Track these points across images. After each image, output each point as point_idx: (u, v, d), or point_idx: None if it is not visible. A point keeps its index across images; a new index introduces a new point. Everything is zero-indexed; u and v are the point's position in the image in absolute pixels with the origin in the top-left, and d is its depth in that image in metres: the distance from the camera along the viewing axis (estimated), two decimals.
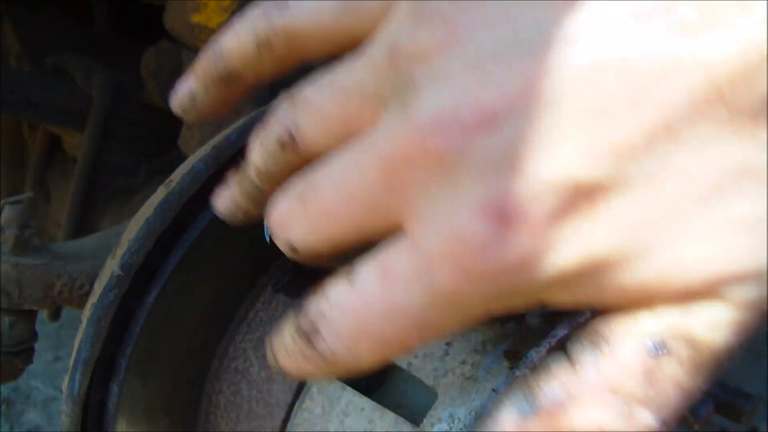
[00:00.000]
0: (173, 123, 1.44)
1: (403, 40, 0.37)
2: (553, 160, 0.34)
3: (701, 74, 0.32)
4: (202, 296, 0.81)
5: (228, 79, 0.49)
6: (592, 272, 0.36)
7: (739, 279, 0.35)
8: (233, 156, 0.73)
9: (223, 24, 1.39)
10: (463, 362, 0.68)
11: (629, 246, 0.35)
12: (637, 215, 0.34)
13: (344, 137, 0.41)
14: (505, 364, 0.66)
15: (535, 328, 0.69)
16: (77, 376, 0.75)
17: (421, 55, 0.36)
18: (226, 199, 0.53)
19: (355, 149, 0.40)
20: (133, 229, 0.76)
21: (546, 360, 0.45)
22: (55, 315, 1.35)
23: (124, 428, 0.79)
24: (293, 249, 0.43)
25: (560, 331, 0.68)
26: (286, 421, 0.78)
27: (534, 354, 0.66)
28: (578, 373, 0.37)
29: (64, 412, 0.76)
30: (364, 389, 0.73)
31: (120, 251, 0.76)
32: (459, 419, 0.65)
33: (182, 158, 0.90)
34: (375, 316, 0.38)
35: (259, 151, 0.46)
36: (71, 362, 0.76)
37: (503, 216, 0.34)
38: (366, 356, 0.40)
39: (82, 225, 1.55)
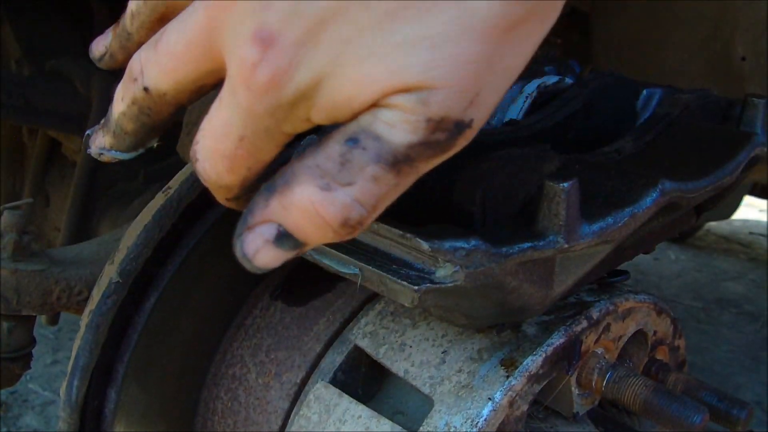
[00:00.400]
0: (172, 128, 1.44)
1: None
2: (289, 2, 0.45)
3: None
4: (199, 303, 0.81)
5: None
6: (314, 90, 0.47)
7: (402, 90, 0.45)
8: None
9: None
10: (460, 370, 0.68)
11: (331, 65, 0.46)
12: (335, 41, 0.45)
13: None
14: (502, 372, 0.66)
15: (531, 336, 0.69)
16: (75, 383, 0.75)
17: None
18: (101, 43, 0.60)
19: (188, 8, 0.50)
20: (131, 235, 0.76)
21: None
22: (54, 320, 1.34)
23: None
24: (146, 91, 0.52)
25: (556, 339, 0.68)
26: (282, 427, 0.78)
27: (530, 362, 0.67)
28: (301, 160, 0.48)
29: (62, 418, 0.77)
30: (361, 397, 0.73)
31: (118, 257, 0.76)
32: (455, 427, 0.65)
33: (180, 163, 0.90)
34: (215, 136, 0.50)
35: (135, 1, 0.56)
36: (69, 368, 0.77)
37: (265, 41, 0.45)
38: (225, 174, 0.51)
39: (81, 229, 1.54)
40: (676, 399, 0.70)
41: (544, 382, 0.69)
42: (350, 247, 0.60)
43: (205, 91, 0.53)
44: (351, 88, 0.46)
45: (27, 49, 1.71)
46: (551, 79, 0.85)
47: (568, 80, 0.86)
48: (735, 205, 4.29)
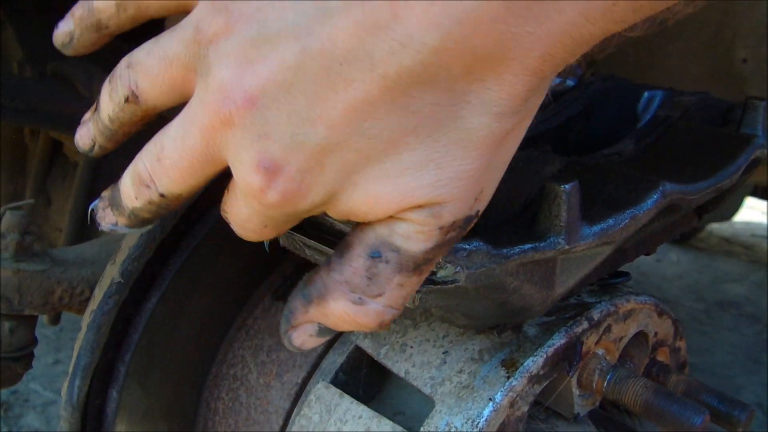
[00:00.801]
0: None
1: (202, 24, 0.49)
2: (297, 130, 0.47)
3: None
4: (201, 303, 0.81)
5: (98, 27, 0.58)
6: (330, 202, 0.50)
7: (414, 207, 0.49)
8: None
9: None
10: (461, 371, 0.68)
11: (341, 186, 0.49)
12: (341, 166, 0.48)
13: (177, 95, 0.53)
14: (502, 372, 0.66)
15: (532, 337, 0.69)
16: (77, 382, 0.75)
17: (213, 37, 0.48)
18: (86, 137, 0.61)
19: (183, 117, 0.51)
20: (133, 236, 0.77)
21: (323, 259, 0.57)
22: (55, 320, 1.35)
23: None
24: (163, 196, 0.54)
25: (557, 340, 0.69)
26: (284, 427, 0.78)
27: (530, 362, 0.67)
28: (330, 273, 0.52)
29: (63, 418, 0.77)
30: (361, 397, 0.73)
31: (120, 258, 0.76)
32: (456, 427, 0.65)
33: None
34: (240, 220, 0.54)
35: (110, 104, 0.56)
36: (71, 368, 0.77)
37: (269, 171, 0.48)
38: (254, 237, 0.55)
39: (83, 229, 1.55)
40: (676, 400, 0.70)
41: (545, 383, 0.69)
42: None
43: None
44: (364, 206, 0.50)
45: (29, 52, 1.71)
46: (553, 81, 0.85)
47: (570, 82, 0.86)
48: (736, 207, 4.30)
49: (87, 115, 0.61)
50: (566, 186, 0.56)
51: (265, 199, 0.49)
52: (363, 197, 0.50)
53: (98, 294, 0.76)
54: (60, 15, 1.73)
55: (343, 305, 0.52)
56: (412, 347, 0.72)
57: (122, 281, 0.74)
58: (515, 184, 0.61)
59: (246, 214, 0.53)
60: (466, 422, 0.65)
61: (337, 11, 0.45)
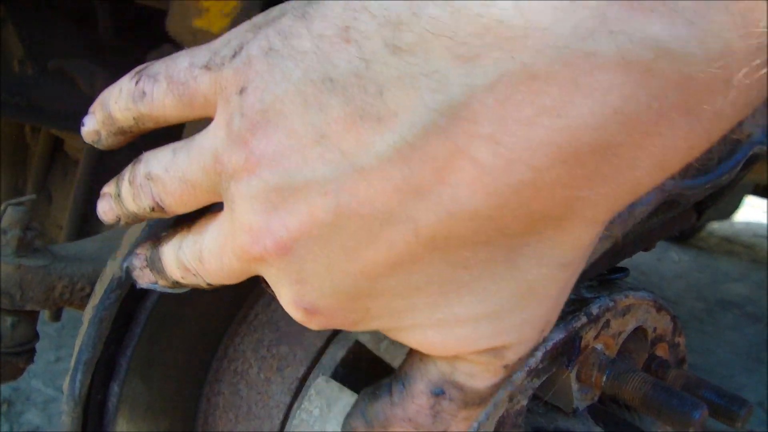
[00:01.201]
0: (174, 127, 1.45)
1: (221, 156, 0.48)
2: (337, 281, 0.47)
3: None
4: (201, 299, 0.81)
5: (121, 132, 0.58)
6: (386, 333, 0.51)
7: (477, 353, 0.49)
8: None
9: (225, 28, 1.39)
10: None
11: (389, 327, 0.50)
12: (387, 310, 0.48)
13: (204, 204, 0.54)
14: None
15: None
16: (78, 377, 0.75)
17: (233, 174, 0.47)
18: (110, 213, 0.61)
19: (218, 233, 0.52)
20: (134, 232, 0.77)
21: (381, 384, 0.57)
22: (56, 316, 1.35)
23: (125, 428, 0.80)
24: (211, 285, 0.56)
25: (555, 335, 0.69)
26: (284, 422, 0.78)
27: (531, 359, 0.67)
28: (392, 403, 0.53)
29: (65, 412, 0.77)
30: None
31: (122, 253, 0.76)
32: None
33: None
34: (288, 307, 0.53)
35: (134, 205, 0.57)
36: (72, 363, 0.77)
37: (308, 311, 0.49)
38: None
39: (83, 226, 1.56)
40: (675, 395, 0.71)
41: (544, 377, 0.69)
42: None
43: None
44: (419, 347, 0.50)
45: (30, 49, 1.72)
46: None
47: None
48: (736, 205, 4.31)
49: (107, 190, 0.61)
50: None
51: (309, 324, 0.50)
52: (418, 341, 0.49)
53: (99, 289, 0.77)
54: (60, 13, 1.72)
55: None
56: None
57: (123, 276, 0.75)
58: None
59: (296, 318, 0.52)
60: None
61: (371, 170, 0.43)
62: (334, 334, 0.78)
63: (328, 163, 0.43)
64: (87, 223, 1.57)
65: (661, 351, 0.86)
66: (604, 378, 0.73)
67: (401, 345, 0.72)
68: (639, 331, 0.81)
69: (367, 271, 0.45)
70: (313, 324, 0.50)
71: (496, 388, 0.51)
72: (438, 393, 0.50)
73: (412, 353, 0.54)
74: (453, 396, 0.50)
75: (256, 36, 0.47)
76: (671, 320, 0.85)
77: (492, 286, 0.46)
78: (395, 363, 0.72)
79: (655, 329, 0.82)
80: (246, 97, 0.46)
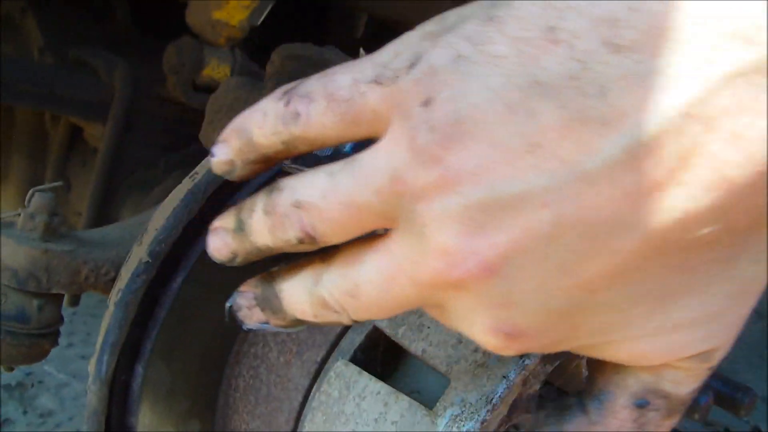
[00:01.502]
0: (193, 117, 1.47)
1: (405, 175, 0.44)
2: (548, 299, 0.44)
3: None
4: (224, 283, 0.84)
5: (263, 159, 0.54)
6: (583, 351, 0.49)
7: (686, 359, 0.48)
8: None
9: (244, 21, 1.42)
10: (476, 350, 0.71)
11: (595, 343, 0.48)
12: (602, 327, 0.46)
13: (363, 232, 0.49)
14: None
15: None
16: (105, 358, 0.78)
17: (422, 193, 0.43)
18: (225, 250, 0.58)
19: (383, 262, 0.48)
20: (159, 218, 0.79)
21: (562, 404, 0.57)
22: (75, 301, 1.38)
23: (148, 408, 0.82)
24: (356, 321, 0.53)
25: None
26: (303, 403, 0.81)
27: None
28: (591, 423, 0.52)
29: (92, 391, 0.80)
30: (379, 375, 0.76)
31: (147, 239, 0.79)
32: (470, 404, 0.68)
33: (202, 152, 0.93)
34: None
35: (270, 239, 0.52)
36: (99, 344, 0.80)
37: (509, 336, 0.46)
38: None
39: (102, 214, 1.58)
40: None
41: (557, 363, 0.71)
42: None
43: None
44: (625, 361, 0.49)
45: (50, 39, 1.75)
46: None
47: None
48: None
49: (221, 224, 0.57)
50: None
51: (505, 350, 0.47)
52: (628, 353, 0.47)
53: (125, 274, 0.79)
54: (79, 3, 1.75)
55: None
56: (428, 327, 0.74)
57: (150, 261, 0.77)
58: None
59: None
60: (480, 398, 0.68)
61: (598, 176, 0.40)
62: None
63: (545, 172, 0.41)
64: (106, 211, 1.59)
65: None
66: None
67: (418, 329, 0.74)
68: None
69: (586, 285, 0.43)
70: (512, 349, 0.47)
71: (696, 393, 0.50)
72: (642, 404, 0.49)
73: (603, 367, 0.52)
74: (658, 406, 0.49)
75: (436, 44, 0.44)
76: None
77: (711, 288, 0.44)
78: (412, 348, 0.74)
79: None
80: (434, 109, 0.42)
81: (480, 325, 0.46)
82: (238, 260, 0.58)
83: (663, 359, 0.47)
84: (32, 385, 2.95)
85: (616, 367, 0.51)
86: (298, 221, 0.49)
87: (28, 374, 3.00)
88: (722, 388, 0.84)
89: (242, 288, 0.60)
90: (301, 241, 0.50)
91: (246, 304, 0.59)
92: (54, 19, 1.78)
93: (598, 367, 0.54)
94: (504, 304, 0.44)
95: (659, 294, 0.44)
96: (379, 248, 0.49)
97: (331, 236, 0.49)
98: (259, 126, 0.52)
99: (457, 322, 0.48)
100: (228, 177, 0.56)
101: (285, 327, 0.57)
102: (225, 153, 0.54)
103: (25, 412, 2.78)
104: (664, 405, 0.49)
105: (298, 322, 0.56)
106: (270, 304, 0.57)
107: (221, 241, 0.57)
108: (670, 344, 0.46)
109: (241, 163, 0.54)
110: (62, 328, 2.78)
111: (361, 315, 0.51)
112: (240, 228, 0.54)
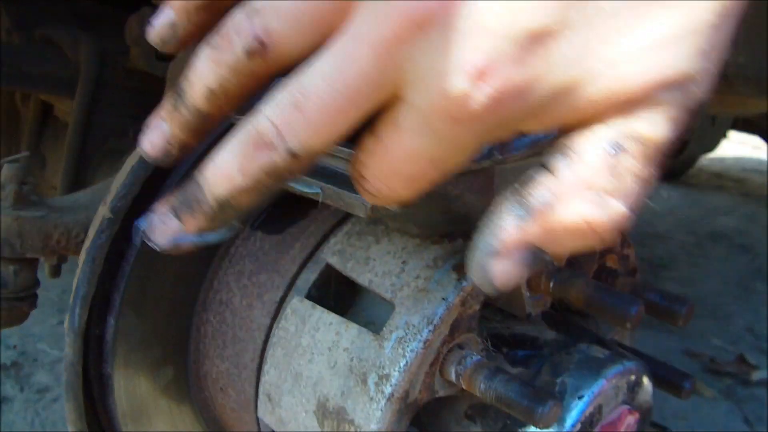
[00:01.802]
0: (158, 86, 1.51)
1: None
2: (508, 18, 0.41)
3: None
4: None
5: (209, 6, 0.51)
6: (552, 101, 0.44)
7: (666, 86, 0.44)
8: None
9: None
10: (417, 277, 0.76)
11: (578, 74, 0.44)
12: (580, 49, 0.43)
13: (318, 37, 0.45)
14: (453, 276, 0.74)
15: None
16: (77, 311, 0.83)
17: None
18: (158, 137, 0.52)
19: (342, 44, 0.44)
20: (120, 177, 0.84)
21: (526, 179, 0.49)
22: (55, 272, 1.43)
23: (123, 358, 0.87)
24: (294, 155, 0.46)
25: None
26: (265, 341, 0.86)
27: None
28: (558, 177, 0.45)
29: (68, 344, 0.85)
30: (333, 309, 0.81)
31: (109, 198, 0.84)
32: (413, 326, 0.73)
33: None
34: (398, 161, 0.47)
35: (214, 70, 0.47)
36: (71, 299, 0.85)
37: (479, 70, 0.41)
38: (402, 191, 0.49)
39: (76, 185, 1.63)
40: (613, 294, 0.78)
41: None
42: (311, 170, 0.68)
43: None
44: (602, 98, 0.44)
45: (15, 19, 1.78)
46: None
47: None
48: (719, 139, 4.37)
49: (154, 119, 0.52)
50: None
51: (464, 110, 0.42)
52: (603, 88, 0.44)
53: (92, 231, 0.84)
54: None
55: (581, 209, 0.45)
56: (374, 260, 0.80)
57: (112, 217, 0.82)
58: None
59: (412, 146, 0.46)
60: (422, 320, 0.73)
61: None
62: (307, 260, 0.86)
63: None
64: (79, 181, 1.64)
65: (611, 262, 0.94)
66: (552, 284, 0.80)
67: (365, 262, 0.80)
68: None
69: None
70: (478, 98, 0.42)
71: (671, 141, 0.45)
72: (616, 149, 0.44)
73: (570, 129, 0.47)
74: (634, 151, 0.44)
75: None
76: (618, 234, 0.92)
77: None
78: (360, 279, 0.79)
79: None
80: None
81: (445, 68, 0.42)
82: (175, 150, 0.52)
83: (647, 83, 0.44)
84: (27, 364, 3.00)
85: (585, 123, 0.46)
86: (247, 29, 0.45)
87: (23, 353, 3.05)
88: (661, 301, 0.89)
89: (157, 205, 0.53)
90: (250, 54, 0.45)
91: (160, 219, 0.52)
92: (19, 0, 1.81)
93: (563, 132, 0.48)
94: (473, 31, 0.41)
95: (637, 3, 0.43)
96: (331, 42, 0.45)
97: (284, 33, 0.45)
98: None
99: (420, 80, 0.43)
100: (167, 47, 0.52)
101: (204, 227, 0.50)
102: (167, 14, 0.51)
103: (22, 389, 2.83)
104: (640, 151, 0.45)
105: (222, 212, 0.49)
106: (187, 200, 0.50)
107: (155, 133, 0.52)
108: (653, 62, 0.44)
109: (186, 16, 0.51)
110: (52, 307, 2.84)
111: (304, 136, 0.45)
112: (176, 101, 0.50)
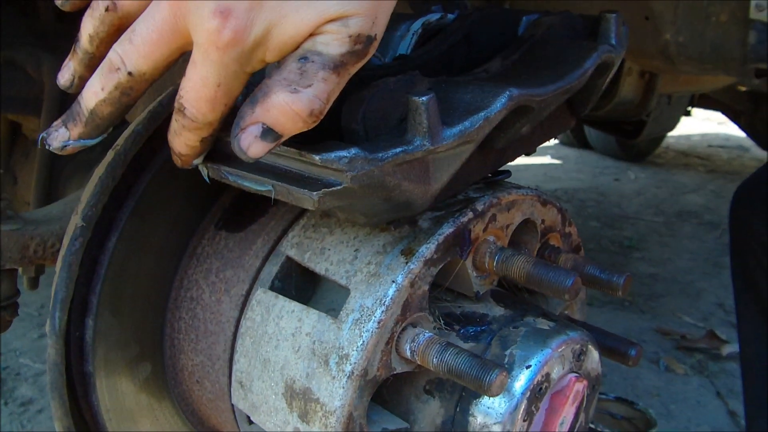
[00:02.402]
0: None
1: None
2: None
3: None
4: (155, 239, 0.95)
5: None
6: (266, 36, 0.66)
7: (329, 21, 0.65)
8: (167, 117, 0.88)
9: None
10: (369, 263, 0.82)
11: (276, 19, 0.65)
12: (275, 5, 0.65)
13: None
14: (402, 260, 0.81)
15: (425, 229, 0.83)
16: (57, 314, 0.89)
17: None
18: (66, 72, 0.77)
19: (154, 4, 0.68)
20: (89, 188, 0.90)
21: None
22: (34, 284, 1.48)
23: (102, 356, 0.93)
24: (131, 74, 0.70)
25: (446, 229, 0.83)
26: (235, 332, 0.92)
27: (424, 249, 0.81)
28: (271, 78, 0.67)
29: (50, 346, 0.90)
30: (295, 298, 0.88)
31: (80, 207, 0.89)
32: (367, 308, 0.79)
33: None
34: (198, 86, 0.68)
35: (91, 22, 0.72)
36: (50, 305, 0.90)
37: (223, 13, 0.63)
38: (208, 113, 0.70)
39: (48, 199, 1.68)
40: (551, 269, 0.85)
41: (440, 266, 0.83)
42: (262, 170, 0.74)
43: (171, 65, 0.71)
44: (293, 30, 0.66)
45: None
46: (434, 16, 0.98)
47: (450, 16, 0.99)
48: (677, 116, 4.44)
49: (66, 61, 0.76)
50: (424, 98, 0.70)
51: (221, 39, 0.64)
52: (290, 25, 0.65)
53: (66, 239, 0.90)
54: (3, 7, 1.83)
55: (282, 96, 0.66)
56: (329, 249, 0.86)
57: (84, 225, 0.88)
58: (389, 103, 0.75)
59: (203, 74, 0.67)
60: (375, 302, 0.79)
61: None
62: (269, 254, 0.92)
63: None
64: (50, 195, 1.69)
65: (554, 240, 1.00)
66: (495, 263, 0.87)
67: (321, 252, 0.86)
68: (529, 224, 0.95)
69: None
70: (226, 33, 0.64)
71: (346, 59, 0.66)
72: (303, 60, 0.66)
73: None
74: (314, 59, 0.66)
75: None
76: (558, 212, 0.99)
77: None
78: (317, 268, 0.86)
79: (543, 221, 0.96)
80: None
81: (206, 13, 0.63)
82: (76, 79, 0.76)
83: (314, 20, 0.65)
84: (10, 378, 3.04)
85: (289, 48, 0.67)
86: None
87: (5, 368, 3.09)
88: (600, 275, 0.95)
89: (54, 123, 0.76)
90: (108, 10, 0.71)
91: (52, 131, 0.75)
92: None
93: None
94: None
95: None
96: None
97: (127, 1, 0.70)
98: None
99: (196, 24, 0.65)
100: (63, 6, 0.75)
101: (84, 134, 0.75)
102: None
103: (6, 403, 2.87)
104: (318, 59, 0.66)
105: (95, 120, 0.74)
106: (72, 113, 0.75)
107: (65, 69, 0.77)
108: (318, 7, 0.65)
109: None
110: (32, 322, 2.88)
111: (135, 61, 0.69)
112: (74, 49, 0.75)
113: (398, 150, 0.71)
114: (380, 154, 0.70)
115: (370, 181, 0.70)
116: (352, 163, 0.68)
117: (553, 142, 9.14)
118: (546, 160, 7.97)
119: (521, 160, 8.70)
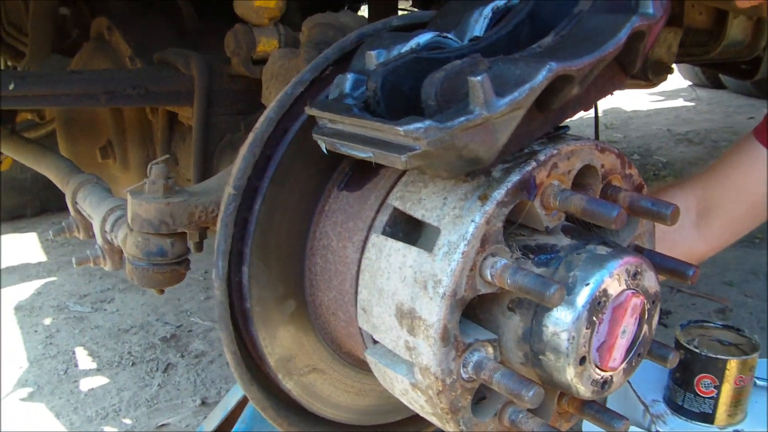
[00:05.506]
0: (256, 86, 1.82)
1: None
2: None
3: None
4: (292, 201, 1.19)
5: None
6: None
7: None
8: (293, 103, 1.13)
9: (280, 2, 1.77)
10: (454, 207, 1.04)
11: None
12: None
13: None
14: (479, 203, 1.02)
15: (497, 178, 1.04)
16: (220, 263, 1.14)
17: None
18: None
19: None
20: (237, 163, 1.15)
21: None
22: (200, 247, 1.75)
23: (255, 295, 1.18)
24: None
25: (513, 177, 1.04)
26: (358, 270, 1.16)
27: (497, 194, 1.03)
28: None
29: (216, 288, 1.16)
30: (402, 240, 1.10)
31: (231, 180, 1.15)
32: (453, 242, 1.01)
33: None
34: None
35: None
36: (214, 257, 1.16)
37: None
38: None
39: (204, 175, 1.96)
40: (601, 203, 1.03)
41: (511, 207, 1.03)
42: (365, 141, 0.97)
43: None
44: None
45: (135, 48, 2.13)
46: (502, 1, 1.18)
47: (514, 1, 1.19)
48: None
49: None
50: (479, 77, 0.91)
51: None
52: None
53: (222, 205, 1.15)
54: (153, 14, 2.17)
55: None
56: (425, 199, 1.08)
57: (235, 193, 1.13)
58: (456, 82, 0.96)
59: None
60: (459, 237, 1.01)
61: None
62: (380, 207, 1.15)
63: None
64: (208, 171, 1.97)
65: (616, 181, 1.19)
66: (557, 201, 1.07)
67: (418, 201, 1.09)
68: (591, 169, 1.14)
69: None
70: None
71: None
72: None
73: None
74: None
75: None
76: (617, 157, 1.17)
77: None
78: (417, 215, 1.08)
79: (603, 165, 1.15)
80: None
81: None
82: None
83: None
84: (184, 335, 3.40)
85: None
86: None
87: (179, 326, 3.46)
88: (651, 207, 1.12)
89: None
90: None
91: None
92: (135, 29, 2.15)
93: None
94: None
95: None
96: None
97: None
98: None
99: None
100: None
101: None
102: None
103: (182, 356, 3.23)
104: None
105: None
106: None
107: None
108: None
109: None
110: (198, 286, 3.24)
111: None
112: None
113: (462, 119, 0.91)
114: (448, 123, 0.91)
115: (443, 144, 0.92)
116: (426, 132, 0.90)
117: (684, 83, 8.99)
118: (678, 103, 7.88)
119: (652, 105, 8.63)
